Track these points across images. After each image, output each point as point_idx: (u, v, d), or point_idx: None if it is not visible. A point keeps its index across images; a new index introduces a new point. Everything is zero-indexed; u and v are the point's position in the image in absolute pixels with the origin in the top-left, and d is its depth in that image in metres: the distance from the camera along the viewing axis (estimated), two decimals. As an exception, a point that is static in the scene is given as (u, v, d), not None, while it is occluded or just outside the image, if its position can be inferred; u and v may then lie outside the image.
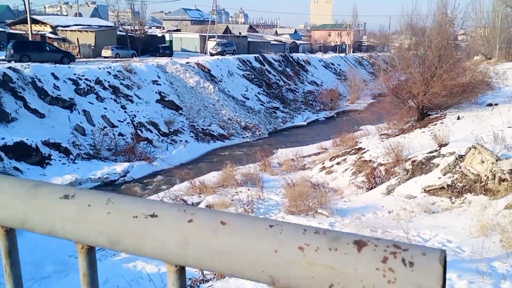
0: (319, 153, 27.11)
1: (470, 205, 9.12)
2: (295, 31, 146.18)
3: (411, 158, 13.63)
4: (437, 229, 7.50)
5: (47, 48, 31.65)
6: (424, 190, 10.17)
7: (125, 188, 22.21)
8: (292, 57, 58.98)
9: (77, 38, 45.11)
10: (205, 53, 61.27)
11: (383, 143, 19.52)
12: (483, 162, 9.72)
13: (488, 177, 9.15)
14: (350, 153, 19.36)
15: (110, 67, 31.93)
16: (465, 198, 9.50)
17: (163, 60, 38.82)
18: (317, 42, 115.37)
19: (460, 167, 10.12)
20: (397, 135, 20.94)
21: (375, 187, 13.24)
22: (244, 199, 12.99)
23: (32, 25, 41.16)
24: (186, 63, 38.89)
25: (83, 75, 29.27)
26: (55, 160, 23.16)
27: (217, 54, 50.37)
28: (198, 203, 15.22)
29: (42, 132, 24.09)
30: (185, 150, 28.15)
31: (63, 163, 23.23)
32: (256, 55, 51.45)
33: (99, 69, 31.10)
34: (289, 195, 10.98)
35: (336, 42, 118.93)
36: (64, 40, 46.23)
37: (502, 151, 10.42)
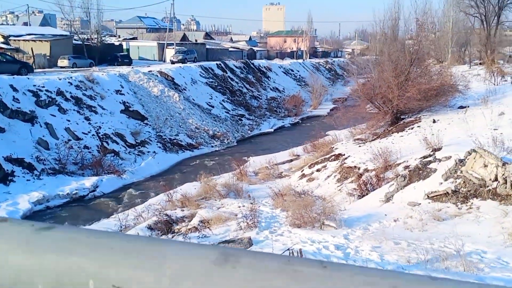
0: (291, 160, 26.87)
1: (480, 211, 8.99)
2: (250, 38, 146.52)
3: (401, 163, 13.51)
4: (461, 238, 7.27)
5: (3, 59, 30.00)
6: (428, 196, 10.00)
7: (95, 203, 21.20)
8: (253, 63, 58.83)
9: (31, 48, 43.18)
10: (164, 61, 60.21)
11: (361, 148, 19.48)
12: (485, 166, 9.65)
13: (498, 182, 9.05)
14: (330, 159, 19.15)
15: (71, 77, 30.64)
16: (472, 203, 9.37)
17: (125, 69, 37.72)
18: (273, 48, 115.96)
19: (461, 172, 10.02)
20: (373, 140, 20.94)
21: (367, 194, 13.03)
22: (235, 211, 12.47)
23: (-17, 35, 39.16)
24: (149, 71, 37.96)
25: (43, 86, 27.92)
26: (18, 176, 21.86)
27: (178, 62, 49.50)
28: (184, 217, 14.60)
29: (3, 147, 22.69)
30: (154, 162, 27.29)
31: (27, 180, 21.96)
32: (217, 62, 50.95)
33: (60, 79, 29.78)
34: (294, 206, 10.54)
35: (292, 48, 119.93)
36: (17, 50, 44.15)
37: (501, 154, 10.41)
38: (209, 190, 16.70)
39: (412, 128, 18.98)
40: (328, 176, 17.42)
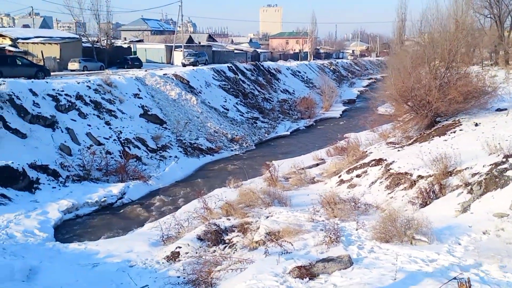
0: (317, 164, 26.30)
1: None
2: (251, 40, 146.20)
3: (463, 169, 12.94)
4: None
5: (20, 62, 29.31)
6: (517, 206, 9.45)
7: (125, 211, 20.57)
8: (262, 65, 58.28)
9: (41, 51, 42.49)
10: (172, 64, 59.68)
11: (401, 152, 18.90)
12: None
13: None
14: (370, 164, 18.55)
15: (89, 81, 30.00)
16: None
17: (140, 72, 37.08)
18: (276, 50, 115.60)
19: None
20: (410, 144, 20.39)
21: (429, 202, 12.45)
22: (298, 222, 11.85)
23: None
24: (164, 74, 37.34)
25: (62, 91, 27.28)
26: (43, 184, 21.22)
27: (189, 64, 48.93)
28: (233, 227, 14.02)
29: (26, 153, 22.06)
30: (177, 167, 26.67)
31: (53, 187, 21.32)
32: (229, 64, 50.36)
33: (78, 83, 29.14)
34: (375, 218, 9.95)
35: (294, 49, 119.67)
36: (25, 53, 43.45)
37: None
38: (252, 198, 16.05)
39: (454, 132, 18.43)
40: (372, 183, 16.84)
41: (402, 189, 14.57)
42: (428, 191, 12.77)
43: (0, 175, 19.63)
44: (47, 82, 27.64)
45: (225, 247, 13.11)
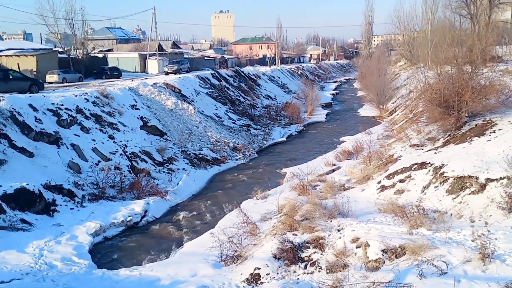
0: (333, 170, 25.82)
1: None
2: (211, 46, 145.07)
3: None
4: None
5: (12, 76, 27.38)
6: None
7: (154, 230, 19.37)
8: (243, 71, 57.64)
9: (18, 64, 40.21)
10: (147, 73, 58.00)
11: (440, 155, 18.62)
12: None
13: None
14: (413, 168, 18.16)
15: (86, 93, 28.44)
16: None
17: (133, 83, 35.62)
18: (241, 56, 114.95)
19: None
20: (444, 146, 20.15)
21: (518, 207, 12.13)
22: (389, 237, 11.20)
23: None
24: (154, 83, 36.01)
25: (62, 105, 25.69)
26: (61, 205, 19.78)
27: (172, 72, 47.58)
28: (307, 243, 13.26)
29: (37, 174, 20.53)
30: (190, 180, 25.58)
31: (71, 208, 19.90)
32: (212, 71, 49.39)
33: (76, 96, 27.55)
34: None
35: (259, 55, 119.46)
36: (-1, 66, 41.03)
37: None
38: (313, 209, 15.32)
39: (494, 131, 18.31)
40: (424, 187, 16.43)
41: (470, 194, 14.19)
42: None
43: (17, 198, 18.13)
44: (44, 96, 25.96)
45: (306, 265, 12.33)
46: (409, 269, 9.25)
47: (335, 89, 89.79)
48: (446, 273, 8.63)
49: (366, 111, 54.23)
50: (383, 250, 10.65)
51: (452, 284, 7.97)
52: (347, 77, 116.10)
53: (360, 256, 11.14)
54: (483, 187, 14.11)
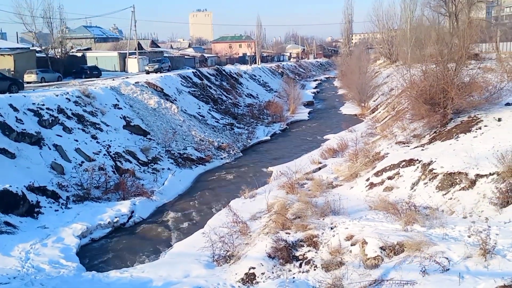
0: (319, 168, 25.84)
1: None
2: (189, 45, 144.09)
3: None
4: None
5: (-10, 75, 26.74)
6: None
7: (141, 231, 19.09)
8: (224, 70, 57.40)
9: (-6, 63, 39.32)
10: (127, 72, 57.31)
11: (427, 152, 18.75)
12: None
13: None
14: (401, 165, 18.25)
15: (67, 92, 27.88)
16: None
17: (114, 82, 35.09)
18: (220, 54, 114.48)
19: None
20: (430, 143, 20.29)
21: (510, 202, 12.23)
22: (385, 235, 11.19)
23: None
24: (136, 82, 35.53)
25: (43, 104, 25.13)
26: (45, 207, 19.32)
27: (153, 71, 47.09)
28: (300, 241, 13.19)
29: (20, 175, 20.00)
30: (175, 180, 25.29)
31: (55, 210, 19.46)
32: (193, 70, 49.05)
33: (57, 95, 26.99)
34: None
35: (238, 53, 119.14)
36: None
37: None
38: (304, 207, 15.26)
39: (479, 128, 18.50)
40: (413, 184, 16.52)
41: (460, 190, 14.29)
42: (508, 190, 12.53)
43: (0, 200, 17.63)
44: (24, 96, 25.37)
45: (301, 264, 12.25)
46: (410, 266, 9.24)
47: (316, 87, 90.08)
48: (448, 269, 8.64)
49: (348, 109, 54.56)
50: (381, 248, 10.62)
51: (456, 280, 7.97)
52: (327, 76, 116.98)
53: (356, 253, 11.10)
54: (473, 183, 14.22)
